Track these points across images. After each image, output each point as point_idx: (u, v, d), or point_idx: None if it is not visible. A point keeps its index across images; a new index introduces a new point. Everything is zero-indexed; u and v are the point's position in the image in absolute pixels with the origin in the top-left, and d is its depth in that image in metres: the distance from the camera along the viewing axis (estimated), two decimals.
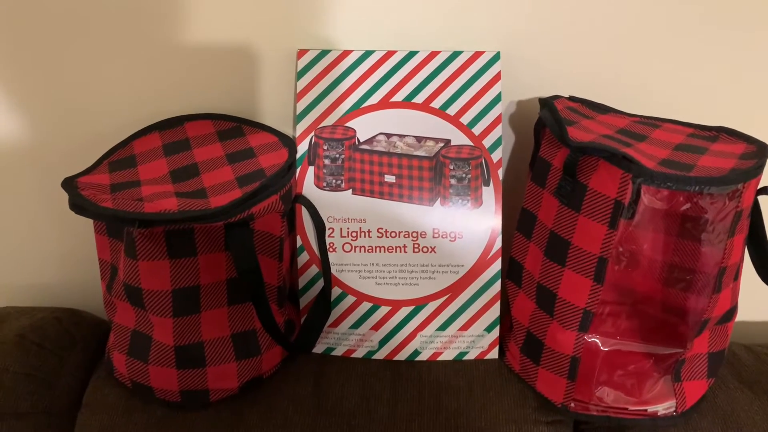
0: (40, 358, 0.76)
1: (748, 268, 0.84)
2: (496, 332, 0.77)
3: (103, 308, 0.88)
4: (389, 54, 0.77)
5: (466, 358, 0.77)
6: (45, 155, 0.83)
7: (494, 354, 0.77)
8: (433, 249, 0.76)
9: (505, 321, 0.79)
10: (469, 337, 0.77)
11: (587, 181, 0.64)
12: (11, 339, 0.76)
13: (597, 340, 0.71)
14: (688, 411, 0.71)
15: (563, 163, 0.66)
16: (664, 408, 0.70)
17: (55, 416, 0.73)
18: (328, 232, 0.76)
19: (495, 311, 0.76)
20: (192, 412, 0.72)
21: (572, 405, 0.71)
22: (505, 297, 0.78)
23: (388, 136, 0.76)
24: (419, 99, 0.76)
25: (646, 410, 0.70)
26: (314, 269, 0.77)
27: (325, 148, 0.76)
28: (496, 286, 0.76)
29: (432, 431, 0.70)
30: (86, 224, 0.87)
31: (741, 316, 0.91)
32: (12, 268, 0.91)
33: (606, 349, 0.71)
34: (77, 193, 0.65)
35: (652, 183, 0.60)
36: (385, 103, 0.76)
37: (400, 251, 0.76)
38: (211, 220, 0.63)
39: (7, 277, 0.91)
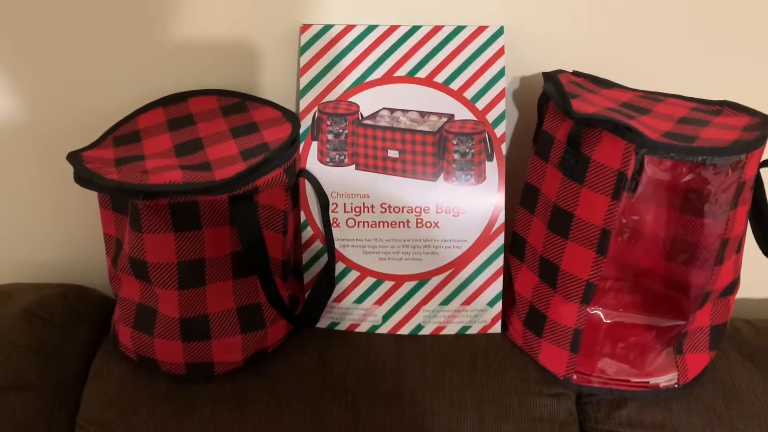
0: (47, 332, 0.76)
1: (750, 247, 0.84)
2: (498, 306, 0.77)
3: (108, 285, 0.89)
4: (392, 29, 0.76)
5: (468, 332, 0.78)
6: (49, 132, 0.83)
7: (497, 328, 0.78)
8: (436, 224, 0.76)
9: (508, 295, 0.79)
10: (472, 312, 0.77)
11: (591, 153, 0.64)
12: (18, 314, 0.77)
13: (599, 313, 0.72)
14: (690, 383, 0.72)
15: (567, 136, 0.66)
16: (665, 380, 0.71)
17: (61, 389, 0.74)
18: (331, 208, 0.76)
19: (498, 286, 0.77)
20: (197, 385, 0.72)
21: (574, 377, 0.72)
22: (507, 272, 0.79)
23: (392, 111, 0.76)
24: (422, 74, 0.76)
25: (648, 382, 0.71)
26: (318, 244, 0.77)
27: (329, 123, 0.76)
28: (499, 261, 0.76)
29: (435, 404, 0.71)
30: (90, 201, 0.88)
31: (742, 292, 0.92)
32: (17, 245, 0.91)
33: (608, 322, 0.72)
34: (82, 167, 0.65)
35: (656, 154, 0.60)
36: (388, 78, 0.76)
37: (404, 226, 0.76)
38: (215, 192, 0.63)
39: (12, 254, 0.92)
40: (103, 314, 0.83)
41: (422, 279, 0.77)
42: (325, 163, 0.76)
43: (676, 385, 0.71)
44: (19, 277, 0.93)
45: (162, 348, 0.71)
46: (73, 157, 0.67)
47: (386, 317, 0.78)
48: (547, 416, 0.71)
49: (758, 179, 0.67)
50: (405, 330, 0.78)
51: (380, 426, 0.70)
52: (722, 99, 0.77)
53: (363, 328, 0.78)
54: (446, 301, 0.77)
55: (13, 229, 0.90)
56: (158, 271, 0.67)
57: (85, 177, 0.64)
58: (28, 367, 0.73)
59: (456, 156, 0.75)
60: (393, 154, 0.76)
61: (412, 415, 0.70)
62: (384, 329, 0.78)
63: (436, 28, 0.76)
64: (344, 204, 0.76)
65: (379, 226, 0.76)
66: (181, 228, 0.66)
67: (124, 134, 0.74)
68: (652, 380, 0.71)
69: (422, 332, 0.78)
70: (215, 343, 0.71)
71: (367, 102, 0.76)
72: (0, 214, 0.89)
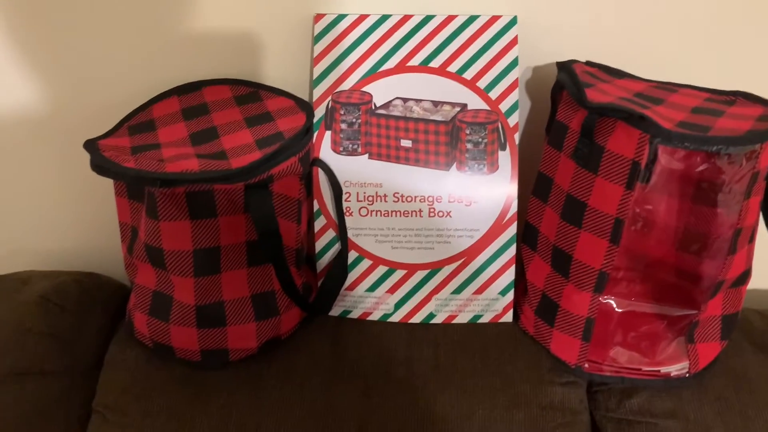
0: (63, 319, 0.77)
1: (762, 237, 0.84)
2: (510, 295, 0.78)
3: (123, 273, 0.90)
4: (406, 18, 0.76)
5: (480, 321, 0.78)
6: (64, 121, 0.84)
7: (508, 317, 0.78)
8: (448, 213, 0.76)
9: (520, 285, 0.80)
10: (484, 301, 0.78)
11: (605, 142, 0.64)
12: (34, 300, 0.78)
13: (612, 302, 0.72)
14: (701, 372, 0.72)
15: (581, 125, 0.66)
16: (677, 369, 0.71)
17: (77, 375, 0.75)
18: (344, 197, 0.77)
19: (510, 275, 0.77)
20: (212, 371, 0.73)
21: (586, 366, 0.72)
22: (519, 261, 0.79)
23: (405, 100, 0.76)
24: (436, 63, 0.76)
25: (659, 371, 0.71)
26: (331, 233, 0.78)
27: (342, 112, 0.76)
28: (511, 250, 0.77)
29: (447, 392, 0.72)
30: (106, 189, 0.88)
31: (754, 283, 0.92)
32: (33, 233, 0.92)
33: (620, 311, 0.72)
34: (99, 154, 0.65)
35: (670, 143, 0.60)
36: (401, 68, 0.76)
37: (416, 215, 0.77)
38: (231, 181, 0.64)
39: (28, 242, 0.93)
40: (117, 301, 0.84)
41: (434, 268, 0.77)
42: (339, 153, 0.77)
43: (687, 374, 0.72)
44: (35, 264, 0.94)
45: (177, 335, 0.72)
46: (90, 146, 0.67)
47: (398, 306, 0.79)
48: (558, 404, 0.71)
49: None
50: (417, 318, 0.79)
51: (392, 413, 0.71)
52: (736, 89, 0.77)
53: (375, 316, 0.79)
54: (458, 290, 0.78)
55: (29, 217, 0.91)
56: (174, 259, 0.67)
57: (102, 165, 0.64)
58: (44, 354, 0.74)
59: (469, 145, 0.75)
60: (406, 143, 0.76)
61: (424, 403, 0.71)
62: (396, 317, 0.79)
63: (450, 18, 0.76)
64: (357, 193, 0.77)
65: (391, 215, 0.77)
66: (197, 216, 0.66)
67: (139, 123, 0.74)
68: (664, 369, 0.71)
69: (434, 321, 0.79)
70: (230, 330, 0.71)
71: (381, 91, 0.76)
72: (16, 202, 0.89)
